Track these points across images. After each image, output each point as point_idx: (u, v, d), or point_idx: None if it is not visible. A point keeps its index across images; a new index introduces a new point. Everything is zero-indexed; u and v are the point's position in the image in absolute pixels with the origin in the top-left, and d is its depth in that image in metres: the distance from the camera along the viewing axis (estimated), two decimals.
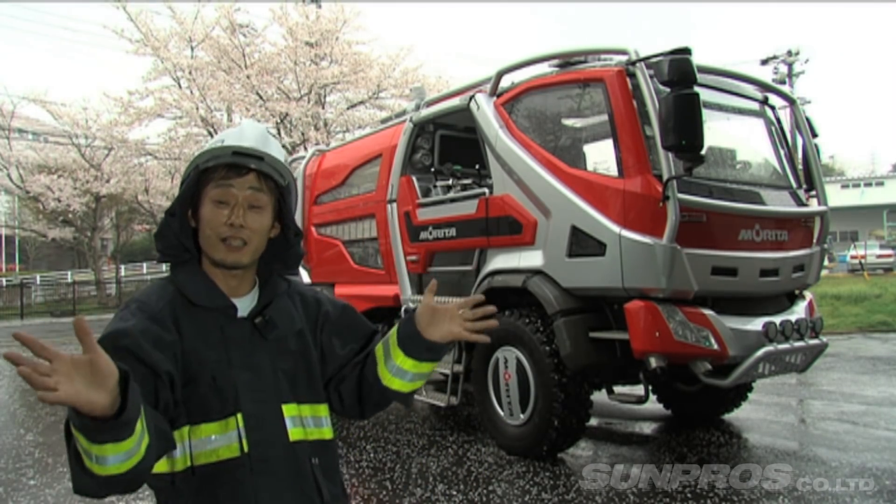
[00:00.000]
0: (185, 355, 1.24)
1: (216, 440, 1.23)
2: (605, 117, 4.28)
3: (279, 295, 1.40)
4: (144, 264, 38.83)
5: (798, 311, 4.57)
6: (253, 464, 1.25)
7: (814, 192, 5.00)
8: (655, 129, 3.88)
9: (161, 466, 1.23)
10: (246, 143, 1.31)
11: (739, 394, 5.41)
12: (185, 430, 1.23)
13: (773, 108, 5.16)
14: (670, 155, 3.80)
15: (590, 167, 4.55)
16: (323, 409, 1.39)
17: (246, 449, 1.24)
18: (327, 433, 1.38)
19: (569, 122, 4.98)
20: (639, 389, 4.59)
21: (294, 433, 1.31)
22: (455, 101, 5.41)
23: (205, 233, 1.31)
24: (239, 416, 1.25)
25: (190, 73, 18.84)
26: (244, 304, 1.35)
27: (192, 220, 1.34)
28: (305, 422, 1.34)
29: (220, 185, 1.30)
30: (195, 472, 1.22)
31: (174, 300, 1.30)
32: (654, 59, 3.95)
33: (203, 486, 1.22)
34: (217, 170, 1.31)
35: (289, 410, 1.32)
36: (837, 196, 36.61)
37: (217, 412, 1.24)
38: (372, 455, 4.85)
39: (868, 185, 45.08)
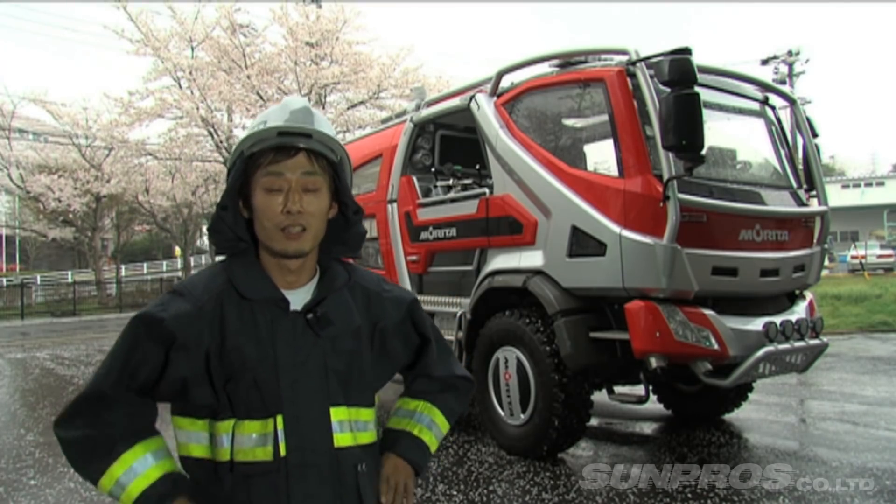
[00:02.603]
0: (226, 353, 1.20)
1: (255, 440, 1.20)
2: (605, 117, 4.28)
3: (338, 289, 1.31)
4: (145, 264, 38.92)
5: (798, 311, 4.57)
6: (289, 469, 1.20)
7: (814, 192, 4.99)
8: (656, 129, 3.88)
9: (201, 451, 1.23)
10: (291, 120, 1.22)
11: (740, 394, 5.41)
12: (230, 423, 1.20)
13: (773, 108, 5.15)
14: (671, 155, 3.79)
15: (590, 167, 4.55)
16: (368, 413, 1.33)
17: (283, 453, 1.20)
18: (372, 436, 1.34)
19: (569, 122, 4.98)
20: (639, 389, 4.59)
21: (340, 438, 1.25)
22: (455, 102, 5.41)
23: (262, 224, 1.23)
24: (279, 417, 1.20)
25: (190, 73, 18.86)
26: (299, 297, 1.27)
27: (244, 211, 1.27)
28: (354, 426, 1.28)
29: (270, 173, 1.21)
30: (233, 469, 1.20)
31: (223, 292, 1.24)
32: (655, 59, 3.95)
33: (240, 482, 1.20)
34: (264, 154, 1.22)
35: (337, 414, 1.26)
36: (838, 196, 36.60)
37: (259, 411, 1.20)
38: None
39: (868, 185, 45.07)
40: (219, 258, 1.34)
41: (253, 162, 1.24)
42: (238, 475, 1.20)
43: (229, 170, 1.29)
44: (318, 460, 1.23)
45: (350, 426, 1.27)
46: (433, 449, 1.45)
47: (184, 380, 1.20)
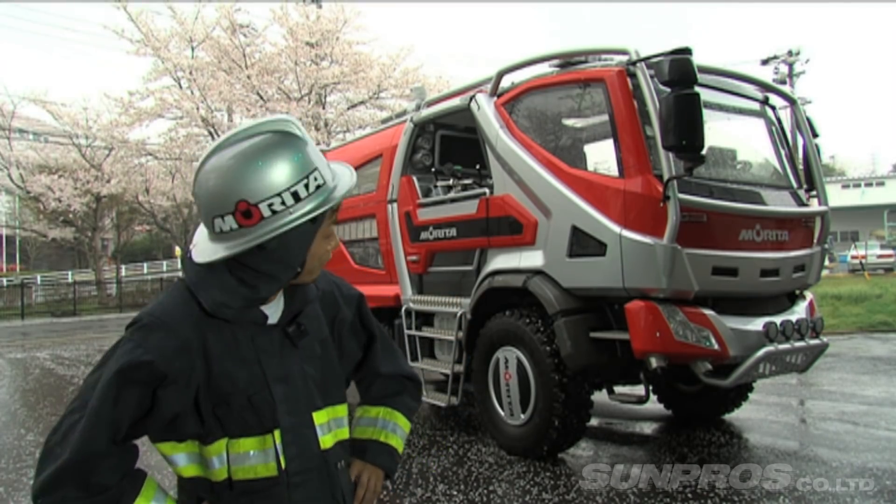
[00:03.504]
0: (215, 379, 1.19)
1: (254, 456, 1.21)
2: (605, 117, 4.28)
3: (312, 300, 1.35)
4: (145, 264, 38.90)
5: (799, 311, 4.56)
6: (290, 478, 1.23)
7: (814, 192, 4.99)
8: (656, 129, 3.88)
9: (192, 471, 1.22)
10: (329, 170, 1.27)
11: (740, 394, 5.41)
12: (223, 443, 1.19)
13: (773, 108, 5.15)
14: (671, 155, 3.79)
15: (590, 167, 4.55)
16: (343, 409, 1.38)
17: (283, 465, 1.22)
18: (346, 432, 1.38)
19: (569, 122, 4.98)
20: (639, 389, 4.59)
21: (325, 441, 1.30)
22: (456, 102, 5.41)
23: (311, 265, 1.26)
24: (276, 432, 1.22)
25: (190, 73, 18.88)
26: (272, 310, 1.28)
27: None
28: (332, 426, 1.33)
29: (333, 222, 1.30)
30: (233, 487, 1.20)
31: (200, 316, 1.19)
32: (655, 59, 3.95)
33: (240, 499, 1.21)
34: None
35: (319, 418, 1.30)
36: (838, 196, 36.60)
37: (255, 428, 1.21)
38: None
39: (868, 185, 45.08)
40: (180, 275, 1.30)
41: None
42: (238, 492, 1.21)
43: (285, 233, 1.15)
44: (312, 465, 1.26)
45: (329, 426, 1.32)
46: (400, 450, 1.53)
47: (175, 414, 1.17)
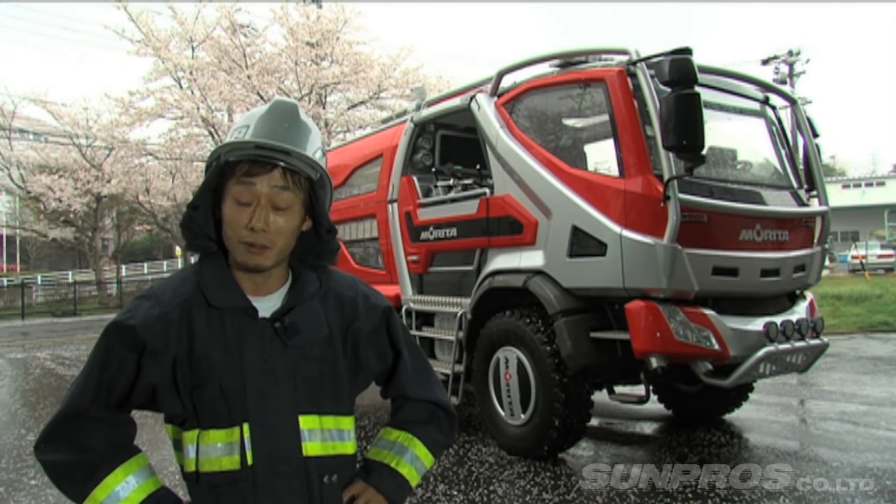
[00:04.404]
0: (195, 360, 1.19)
1: (220, 449, 1.19)
2: (605, 117, 4.28)
3: (308, 298, 1.28)
4: (145, 264, 38.92)
5: (799, 311, 4.57)
6: (256, 478, 1.18)
7: (815, 192, 4.99)
8: (656, 129, 3.88)
9: (179, 459, 1.25)
10: (273, 134, 1.18)
11: (740, 394, 5.41)
12: (195, 433, 1.20)
13: (773, 108, 5.15)
14: (671, 155, 3.79)
15: (591, 167, 4.55)
16: (347, 422, 1.30)
17: (249, 461, 1.18)
18: (350, 447, 1.30)
19: (569, 122, 4.98)
20: (639, 389, 4.59)
21: (310, 447, 1.23)
22: (456, 102, 5.42)
23: (226, 232, 1.22)
24: (245, 426, 1.19)
25: (191, 73, 18.85)
26: (268, 304, 1.25)
27: (217, 212, 1.25)
28: (325, 435, 1.25)
29: (241, 182, 1.18)
30: (199, 479, 1.19)
31: (191, 298, 1.22)
32: (655, 59, 3.95)
33: (207, 493, 1.20)
34: (240, 163, 1.19)
35: (307, 422, 1.23)
36: (838, 196, 36.56)
37: (224, 420, 1.19)
38: None
39: (869, 185, 45.05)
40: (192, 260, 1.34)
41: (229, 168, 1.21)
42: (204, 485, 1.19)
43: (206, 169, 1.27)
44: (287, 469, 1.21)
45: (322, 435, 1.25)
46: (413, 483, 1.39)
47: (153, 386, 1.21)
